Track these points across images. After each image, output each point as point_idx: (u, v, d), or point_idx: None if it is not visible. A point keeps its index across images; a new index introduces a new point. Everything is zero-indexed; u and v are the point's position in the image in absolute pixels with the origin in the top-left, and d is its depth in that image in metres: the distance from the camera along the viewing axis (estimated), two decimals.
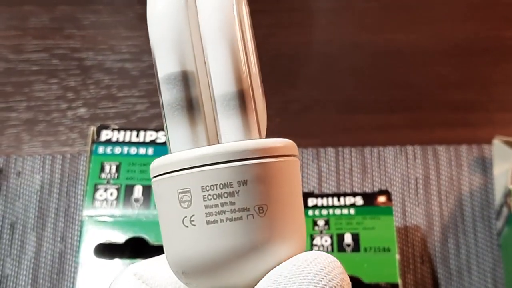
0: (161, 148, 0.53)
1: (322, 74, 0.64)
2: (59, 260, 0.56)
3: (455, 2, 0.67)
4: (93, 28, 0.65)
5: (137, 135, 0.53)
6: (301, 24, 0.66)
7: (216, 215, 0.22)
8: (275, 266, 0.23)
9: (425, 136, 0.61)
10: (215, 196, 0.22)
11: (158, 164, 0.23)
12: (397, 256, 0.51)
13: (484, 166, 0.60)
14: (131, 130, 0.54)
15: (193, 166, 0.23)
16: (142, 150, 0.53)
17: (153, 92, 0.62)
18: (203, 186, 0.22)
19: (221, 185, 0.22)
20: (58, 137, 0.61)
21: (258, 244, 0.22)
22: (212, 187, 0.22)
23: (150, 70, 0.63)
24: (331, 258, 0.23)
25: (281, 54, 0.64)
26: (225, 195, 0.22)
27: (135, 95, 0.63)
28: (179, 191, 0.23)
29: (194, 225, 0.23)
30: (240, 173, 0.22)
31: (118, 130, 0.54)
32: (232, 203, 0.22)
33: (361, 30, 0.66)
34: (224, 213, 0.22)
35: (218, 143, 0.23)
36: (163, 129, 0.54)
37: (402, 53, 0.65)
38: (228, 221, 0.22)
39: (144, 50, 0.64)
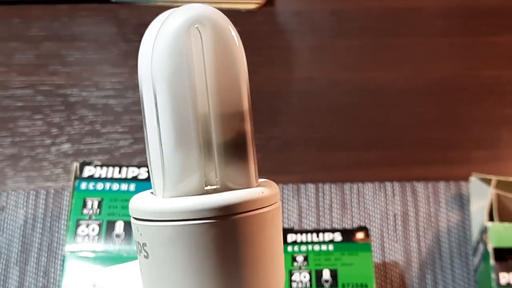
0: (143, 184, 0.54)
1: (302, 112, 0.65)
2: None
3: (434, 41, 0.69)
4: (78, 64, 0.66)
5: (119, 172, 0.54)
6: (282, 62, 0.67)
7: None
8: None
9: (403, 173, 0.62)
10: None
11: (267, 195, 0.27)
12: None
13: (461, 203, 0.61)
14: (113, 166, 0.54)
15: None
16: (124, 186, 0.54)
17: (136, 128, 0.63)
18: None
19: None
20: (42, 172, 0.62)
21: None
22: None
23: (133, 106, 0.64)
24: None
25: (262, 92, 0.65)
26: None
27: (118, 131, 0.64)
28: None
29: None
30: None
31: (101, 166, 0.54)
32: None
33: (341, 68, 0.67)
34: None
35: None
36: (145, 165, 0.55)
37: (381, 91, 0.66)
38: None
39: (128, 86, 0.65)
